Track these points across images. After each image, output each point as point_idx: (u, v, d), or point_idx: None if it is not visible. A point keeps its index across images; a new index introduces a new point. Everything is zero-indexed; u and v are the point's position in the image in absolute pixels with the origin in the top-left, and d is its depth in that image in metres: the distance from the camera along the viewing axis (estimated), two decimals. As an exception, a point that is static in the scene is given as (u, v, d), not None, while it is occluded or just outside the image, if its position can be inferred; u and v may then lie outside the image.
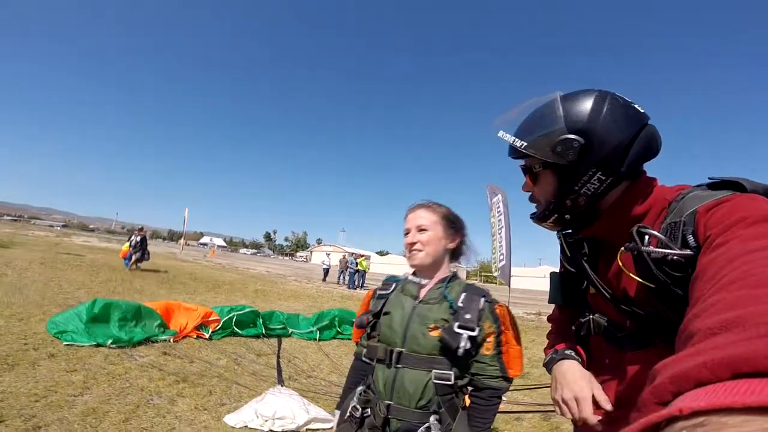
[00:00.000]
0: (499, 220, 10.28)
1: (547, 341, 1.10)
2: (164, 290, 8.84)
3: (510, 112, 0.95)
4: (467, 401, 1.18)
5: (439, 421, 1.11)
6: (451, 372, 1.13)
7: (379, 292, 1.35)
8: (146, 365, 3.65)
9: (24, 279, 7.52)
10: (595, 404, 0.81)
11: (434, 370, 1.13)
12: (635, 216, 0.83)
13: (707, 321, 0.35)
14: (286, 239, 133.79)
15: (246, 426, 2.73)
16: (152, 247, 13.23)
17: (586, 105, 0.81)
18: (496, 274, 10.36)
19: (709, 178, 0.78)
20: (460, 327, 1.11)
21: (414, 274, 1.32)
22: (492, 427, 1.16)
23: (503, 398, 1.20)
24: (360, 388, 1.25)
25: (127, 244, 12.52)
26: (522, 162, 0.94)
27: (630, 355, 0.86)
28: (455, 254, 1.33)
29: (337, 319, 6.03)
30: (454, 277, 1.28)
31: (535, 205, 0.96)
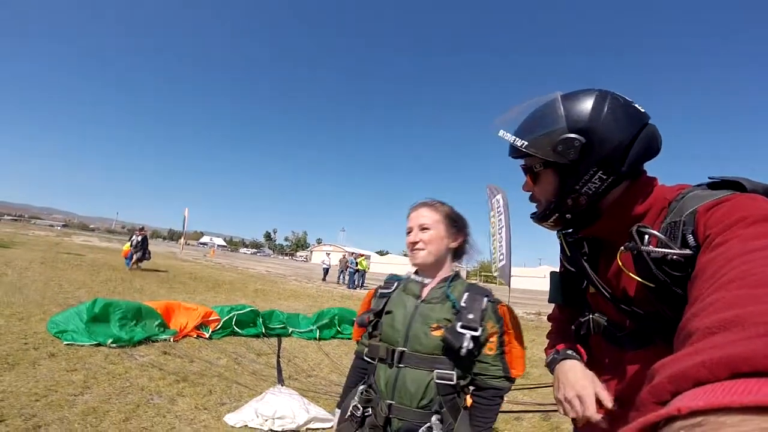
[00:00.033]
0: (499, 219, 10.28)
1: (547, 341, 1.10)
2: (164, 290, 8.84)
3: (510, 111, 0.95)
4: (469, 401, 1.17)
5: (441, 421, 1.11)
6: (454, 372, 1.12)
7: (380, 290, 1.34)
8: (146, 365, 3.65)
9: (24, 278, 7.52)
10: (598, 403, 0.81)
11: (436, 370, 1.12)
12: (635, 215, 0.83)
13: (706, 320, 0.35)
14: (286, 239, 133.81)
15: (246, 425, 2.73)
16: (152, 246, 13.25)
17: (587, 104, 0.81)
18: (495, 273, 10.36)
19: (709, 178, 0.78)
20: (462, 327, 1.10)
21: (416, 273, 1.31)
22: (492, 426, 1.16)
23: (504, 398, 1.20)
24: (361, 387, 1.24)
25: (128, 243, 12.56)
26: (522, 161, 0.94)
27: (630, 355, 0.86)
28: (458, 253, 1.32)
29: (336, 317, 6.03)
30: (456, 276, 1.27)
31: (535, 204, 0.96)
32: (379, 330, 1.25)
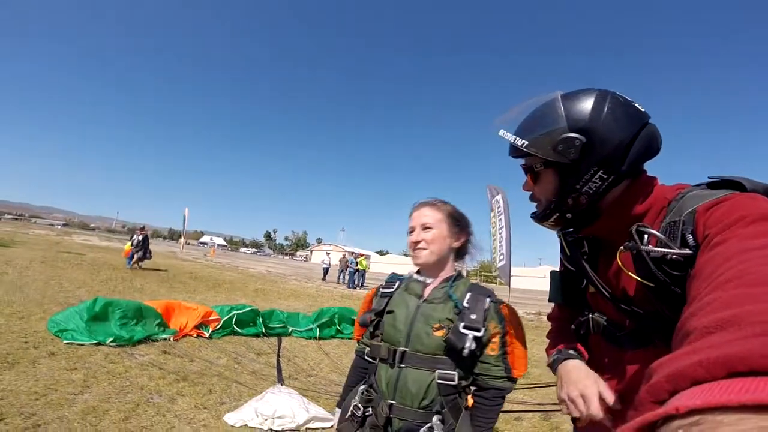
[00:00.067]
0: (500, 219, 10.29)
1: (547, 341, 1.10)
2: (164, 289, 8.85)
3: (510, 111, 0.95)
4: (470, 401, 1.17)
5: (442, 421, 1.10)
6: (455, 372, 1.12)
7: (382, 290, 1.33)
8: (146, 364, 3.65)
9: (25, 278, 7.53)
10: (602, 402, 0.81)
11: (438, 371, 1.12)
12: (635, 215, 0.83)
13: (703, 320, 0.35)
14: (286, 238, 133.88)
15: (246, 425, 2.73)
16: (152, 246, 13.27)
17: (587, 104, 0.81)
18: (495, 273, 10.36)
19: (709, 177, 0.78)
20: (465, 327, 1.10)
21: (418, 272, 1.30)
22: (494, 427, 1.16)
23: None
24: (362, 387, 1.24)
25: (129, 243, 12.60)
26: (523, 161, 0.94)
27: (629, 354, 0.86)
28: (460, 253, 1.31)
29: (336, 316, 6.04)
30: (459, 276, 1.26)
31: (535, 204, 0.96)
32: (381, 330, 1.25)
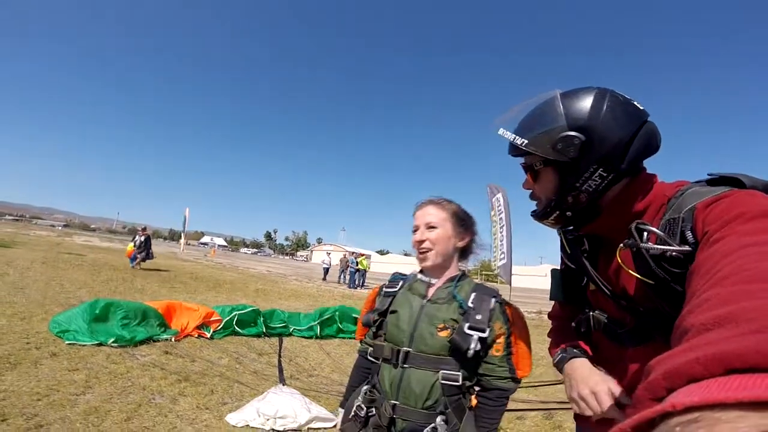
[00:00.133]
0: (500, 218, 10.28)
1: (548, 339, 1.10)
2: (165, 290, 8.85)
3: (510, 110, 0.95)
4: (474, 401, 1.16)
5: (446, 421, 1.10)
6: (459, 373, 1.11)
7: (385, 289, 1.32)
8: (148, 364, 3.66)
9: (26, 278, 7.53)
10: (612, 398, 0.81)
11: (442, 371, 1.11)
12: (635, 212, 0.83)
13: (700, 317, 0.35)
14: (287, 239, 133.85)
15: (248, 425, 2.73)
16: (153, 246, 13.28)
17: (587, 102, 0.81)
18: (496, 272, 10.36)
19: (709, 174, 0.78)
20: (470, 328, 1.09)
21: (422, 272, 1.29)
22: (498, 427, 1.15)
23: None
24: (365, 387, 1.23)
25: (132, 244, 12.65)
26: (522, 160, 0.94)
27: (630, 352, 0.86)
28: (464, 253, 1.30)
29: (338, 314, 6.05)
30: (463, 276, 1.25)
31: (535, 202, 0.96)
32: (384, 330, 1.24)
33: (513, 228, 10.32)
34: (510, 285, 10.23)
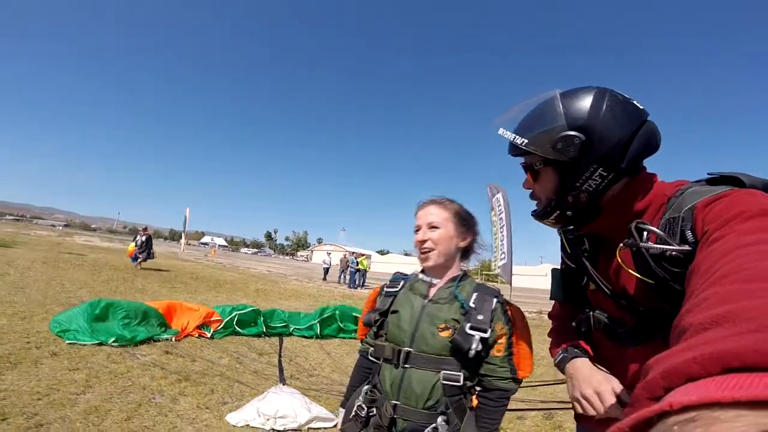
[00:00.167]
0: (500, 218, 10.27)
1: (548, 339, 1.10)
2: (166, 289, 8.86)
3: (510, 110, 0.95)
4: (475, 402, 1.16)
5: (447, 422, 1.10)
6: (461, 373, 1.11)
7: (386, 289, 1.31)
8: (148, 364, 3.66)
9: (26, 278, 7.54)
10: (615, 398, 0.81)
11: (443, 371, 1.11)
12: (635, 212, 0.83)
13: (699, 316, 0.35)
14: (287, 239, 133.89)
15: (248, 425, 2.73)
16: (154, 246, 13.32)
17: (586, 102, 0.81)
18: (496, 272, 10.35)
19: (708, 174, 0.78)
20: (471, 328, 1.08)
21: (423, 272, 1.28)
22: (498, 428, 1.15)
23: None
24: (366, 387, 1.23)
25: (133, 244, 12.72)
26: (522, 159, 0.94)
27: (631, 351, 0.86)
28: (466, 253, 1.30)
29: (338, 312, 6.05)
30: (464, 276, 1.25)
31: (536, 202, 0.96)
32: (385, 330, 1.23)
33: (513, 228, 10.30)
34: (510, 285, 10.21)
